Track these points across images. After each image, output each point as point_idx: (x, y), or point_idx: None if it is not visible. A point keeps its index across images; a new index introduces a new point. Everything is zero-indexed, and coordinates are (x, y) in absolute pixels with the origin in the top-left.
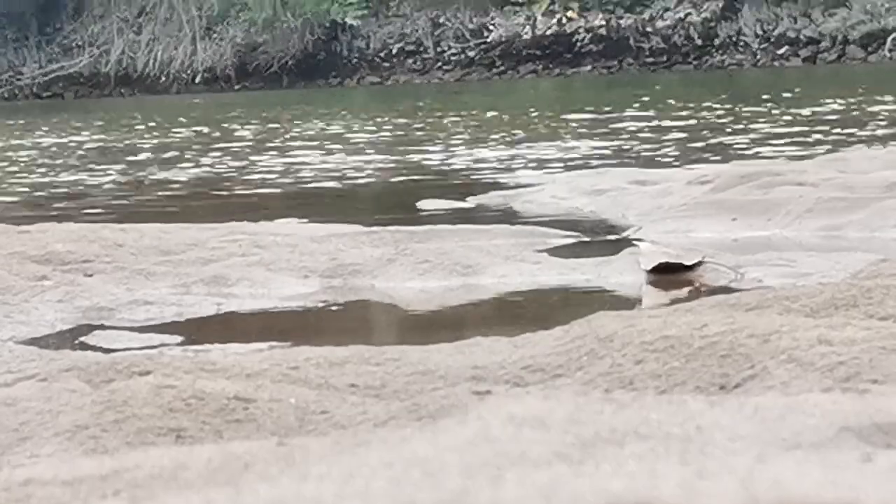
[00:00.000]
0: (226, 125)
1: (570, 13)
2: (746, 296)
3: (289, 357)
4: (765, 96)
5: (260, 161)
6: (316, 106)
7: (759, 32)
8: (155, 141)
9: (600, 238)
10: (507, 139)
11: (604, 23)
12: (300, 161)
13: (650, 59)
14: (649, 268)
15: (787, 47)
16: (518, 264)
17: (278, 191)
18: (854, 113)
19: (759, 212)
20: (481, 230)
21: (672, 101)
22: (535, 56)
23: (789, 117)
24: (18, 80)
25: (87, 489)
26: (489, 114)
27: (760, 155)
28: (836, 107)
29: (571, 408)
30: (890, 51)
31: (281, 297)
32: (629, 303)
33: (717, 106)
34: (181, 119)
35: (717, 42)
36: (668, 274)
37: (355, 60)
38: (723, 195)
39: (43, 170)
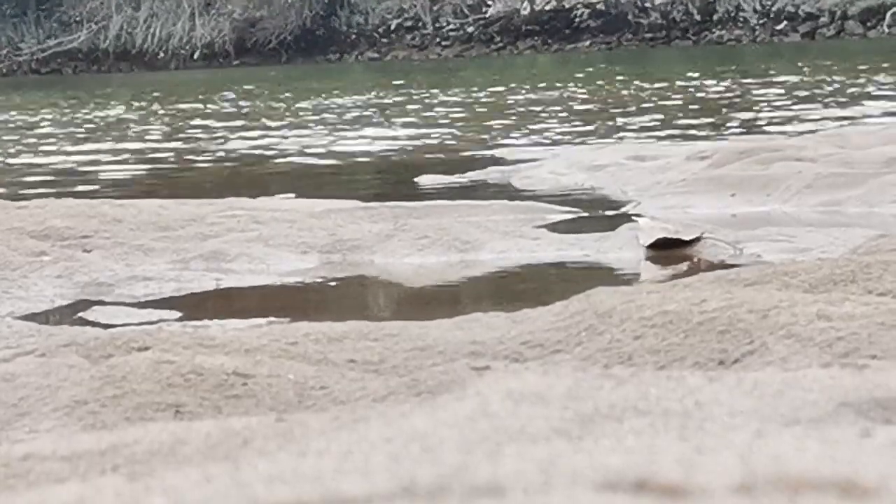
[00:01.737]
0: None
1: None
2: (745, 271)
3: (287, 332)
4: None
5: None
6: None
7: (758, 8)
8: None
9: (599, 214)
10: (506, 115)
11: None
12: (298, 137)
13: (649, 35)
14: (648, 243)
15: (785, 22)
16: (517, 240)
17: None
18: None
19: (758, 187)
20: (480, 206)
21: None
22: (534, 32)
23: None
24: (17, 55)
25: (85, 464)
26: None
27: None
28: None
29: (570, 383)
30: (889, 26)
31: (280, 273)
32: (628, 278)
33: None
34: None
35: (715, 17)
36: (666, 249)
37: (354, 36)
38: (721, 171)
39: None
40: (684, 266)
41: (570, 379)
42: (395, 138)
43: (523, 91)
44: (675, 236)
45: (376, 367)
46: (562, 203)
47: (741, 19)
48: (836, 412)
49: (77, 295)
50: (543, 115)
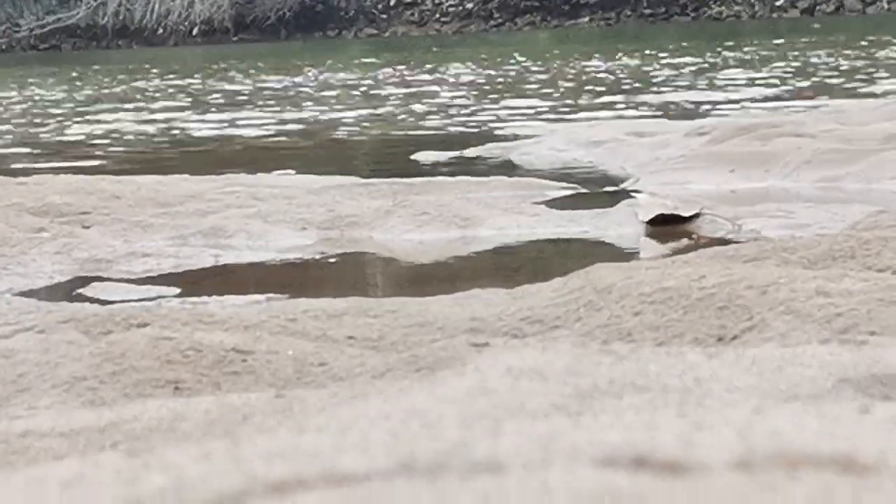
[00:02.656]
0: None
1: None
2: (744, 247)
3: (287, 309)
4: None
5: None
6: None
7: None
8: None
9: (598, 190)
10: (505, 90)
11: None
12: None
13: (648, 11)
14: (647, 219)
15: None
16: (516, 216)
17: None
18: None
19: (757, 163)
20: (480, 182)
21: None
22: (533, 7)
23: None
24: (16, 32)
25: (84, 441)
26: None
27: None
28: None
29: (569, 359)
30: (889, 2)
31: (279, 249)
32: (627, 254)
33: None
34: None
35: None
36: (665, 226)
37: (353, 12)
38: (720, 147)
39: None
40: (683, 242)
41: (570, 355)
42: (392, 114)
43: (522, 66)
44: (673, 212)
45: (375, 344)
46: (561, 179)
47: None
48: (836, 388)
49: (76, 271)
50: (542, 90)
